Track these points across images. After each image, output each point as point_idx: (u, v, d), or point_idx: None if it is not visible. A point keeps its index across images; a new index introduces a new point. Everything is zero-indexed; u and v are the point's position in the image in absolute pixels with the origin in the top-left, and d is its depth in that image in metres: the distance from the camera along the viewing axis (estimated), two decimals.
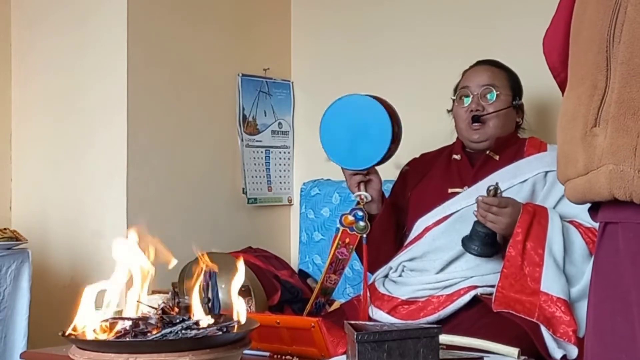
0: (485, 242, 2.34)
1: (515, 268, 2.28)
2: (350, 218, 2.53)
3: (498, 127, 2.58)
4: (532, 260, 2.28)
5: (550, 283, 2.23)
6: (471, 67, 2.68)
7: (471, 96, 2.59)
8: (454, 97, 2.66)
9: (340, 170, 2.60)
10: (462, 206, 2.50)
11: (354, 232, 2.54)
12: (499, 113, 2.57)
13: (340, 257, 2.55)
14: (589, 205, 1.42)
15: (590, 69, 1.33)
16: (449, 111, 2.71)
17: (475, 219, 2.35)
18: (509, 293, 2.26)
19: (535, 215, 2.33)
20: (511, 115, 2.62)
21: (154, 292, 2.10)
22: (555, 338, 2.17)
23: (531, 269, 2.27)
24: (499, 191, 2.33)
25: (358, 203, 2.55)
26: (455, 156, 2.65)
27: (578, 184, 1.35)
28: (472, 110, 2.58)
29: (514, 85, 2.63)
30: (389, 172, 2.73)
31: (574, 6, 1.43)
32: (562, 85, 1.52)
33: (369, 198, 2.55)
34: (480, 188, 2.47)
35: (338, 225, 2.54)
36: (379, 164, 2.56)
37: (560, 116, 1.43)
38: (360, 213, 2.52)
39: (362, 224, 2.52)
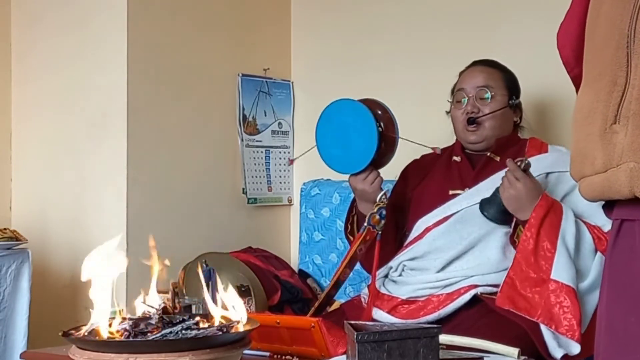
0: (500, 208, 2.37)
1: (528, 252, 2.27)
2: (377, 217, 2.53)
3: (495, 128, 2.58)
4: (545, 246, 2.28)
5: (561, 271, 2.23)
6: (467, 68, 2.68)
7: (467, 98, 2.59)
8: (451, 100, 2.66)
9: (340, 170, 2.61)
10: (463, 207, 2.51)
11: (375, 230, 2.54)
12: (495, 114, 2.57)
13: (358, 252, 2.55)
14: (593, 204, 1.40)
15: (609, 65, 1.31)
16: (447, 112, 2.71)
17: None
18: (516, 282, 2.26)
19: (553, 206, 2.33)
20: (508, 115, 2.62)
21: None
22: (556, 336, 2.17)
23: (543, 254, 2.27)
24: (524, 164, 2.33)
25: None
26: (455, 158, 2.65)
27: (595, 181, 1.33)
28: (467, 113, 2.58)
29: (510, 85, 2.62)
30: (389, 172, 2.73)
31: (589, 1, 1.41)
32: (576, 81, 1.50)
33: (389, 194, 2.55)
34: (481, 189, 2.47)
35: (365, 224, 2.52)
36: (377, 165, 2.56)
37: (574, 113, 1.40)
38: (384, 212, 2.52)
39: (383, 222, 2.52)
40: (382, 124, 2.50)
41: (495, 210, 2.38)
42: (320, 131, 2.59)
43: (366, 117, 2.48)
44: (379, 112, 2.53)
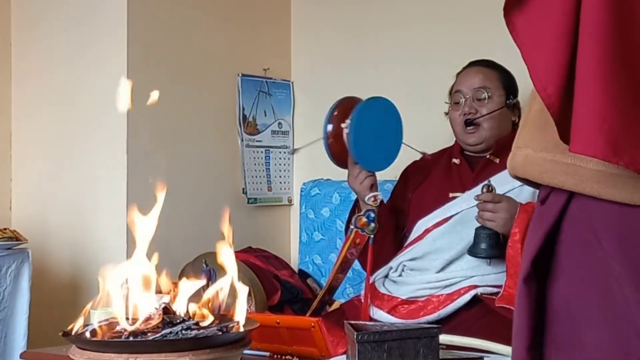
0: (490, 243, 2.34)
1: (517, 267, 2.28)
2: (364, 220, 2.53)
3: (493, 129, 2.58)
4: None
5: None
6: (463, 69, 2.67)
7: (464, 100, 2.59)
8: (449, 102, 2.66)
9: (340, 170, 2.61)
10: (462, 208, 2.51)
11: (365, 233, 2.54)
12: (492, 114, 2.57)
13: (349, 257, 2.55)
14: None
15: None
16: (446, 114, 2.71)
17: (477, 224, 2.36)
18: (514, 292, 2.26)
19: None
20: (506, 115, 2.62)
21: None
22: None
23: None
24: (492, 188, 2.33)
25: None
26: (454, 160, 2.65)
27: None
28: (465, 114, 2.58)
29: (507, 85, 2.62)
30: (389, 172, 2.73)
31: None
32: None
33: (381, 198, 2.55)
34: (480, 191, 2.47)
35: (352, 227, 2.53)
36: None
37: None
38: (372, 214, 2.52)
39: (372, 225, 2.52)
40: (334, 122, 2.50)
41: (487, 246, 2.35)
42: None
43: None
44: (340, 109, 2.52)
